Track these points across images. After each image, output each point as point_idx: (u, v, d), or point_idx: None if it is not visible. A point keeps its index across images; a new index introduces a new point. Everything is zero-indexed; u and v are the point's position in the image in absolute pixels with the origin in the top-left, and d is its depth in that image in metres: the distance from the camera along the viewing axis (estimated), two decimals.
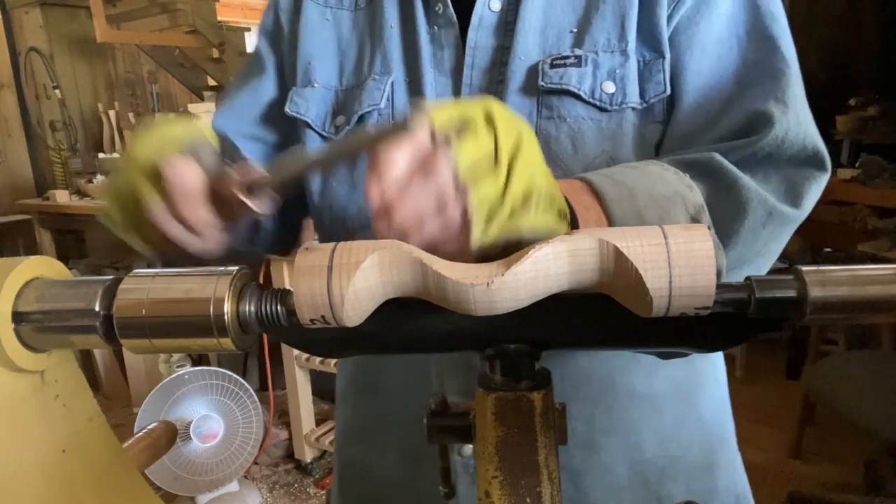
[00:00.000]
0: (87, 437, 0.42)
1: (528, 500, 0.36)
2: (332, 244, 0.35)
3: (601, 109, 0.58)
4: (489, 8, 0.62)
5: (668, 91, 0.58)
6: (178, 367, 2.40)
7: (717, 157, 0.52)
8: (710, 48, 0.59)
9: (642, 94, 0.58)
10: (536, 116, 0.60)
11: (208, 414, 2.11)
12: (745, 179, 0.51)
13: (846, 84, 3.89)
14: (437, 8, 0.64)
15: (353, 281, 0.33)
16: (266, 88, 0.73)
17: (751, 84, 0.57)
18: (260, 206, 0.47)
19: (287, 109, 0.67)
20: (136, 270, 0.37)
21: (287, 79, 0.71)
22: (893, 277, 0.34)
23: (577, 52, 0.59)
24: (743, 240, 0.51)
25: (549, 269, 0.34)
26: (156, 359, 2.58)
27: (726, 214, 0.51)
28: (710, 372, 0.69)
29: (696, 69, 0.58)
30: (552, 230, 0.40)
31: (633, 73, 0.58)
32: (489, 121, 0.40)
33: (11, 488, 0.36)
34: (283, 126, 0.71)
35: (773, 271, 0.50)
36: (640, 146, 0.59)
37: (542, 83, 0.59)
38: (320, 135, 0.66)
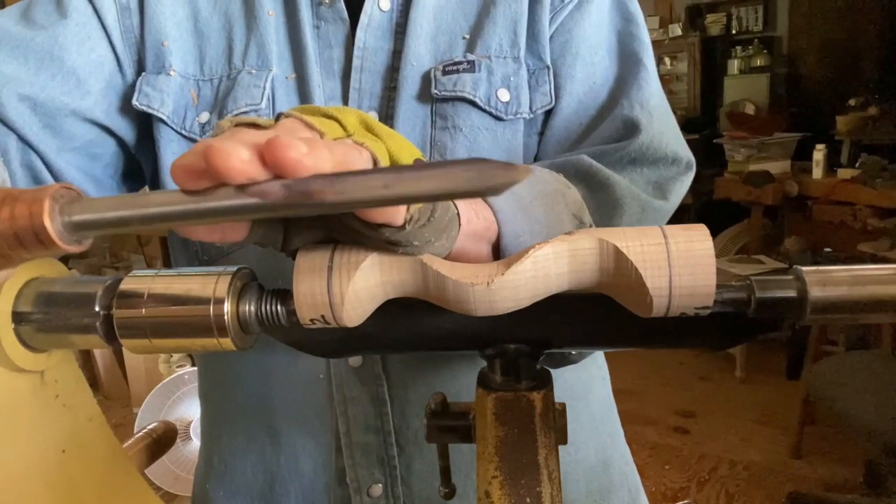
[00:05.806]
0: (87, 437, 0.42)
1: (528, 500, 0.36)
2: (332, 244, 0.35)
3: (496, 119, 0.57)
4: (378, 7, 0.59)
5: (553, 103, 0.58)
6: (178, 367, 2.39)
7: (586, 158, 0.53)
8: (584, 54, 0.59)
9: (531, 105, 0.58)
10: (431, 126, 0.57)
11: None
12: (616, 177, 0.52)
13: (846, 84, 3.89)
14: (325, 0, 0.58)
15: (353, 281, 0.33)
16: (95, 46, 0.58)
17: (621, 93, 0.58)
18: (77, 245, 0.30)
19: (136, 102, 0.57)
20: (136, 270, 0.37)
21: (122, 55, 0.59)
22: (893, 277, 0.34)
23: (470, 56, 0.57)
24: None
25: (549, 268, 0.34)
26: (156, 359, 2.58)
27: (603, 213, 0.52)
28: (596, 371, 0.69)
29: (570, 74, 0.59)
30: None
31: (524, 82, 0.58)
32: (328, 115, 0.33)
33: (11, 488, 0.36)
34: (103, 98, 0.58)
35: (773, 271, 0.50)
36: (526, 158, 0.59)
37: (436, 91, 0.56)
38: (180, 134, 0.58)
